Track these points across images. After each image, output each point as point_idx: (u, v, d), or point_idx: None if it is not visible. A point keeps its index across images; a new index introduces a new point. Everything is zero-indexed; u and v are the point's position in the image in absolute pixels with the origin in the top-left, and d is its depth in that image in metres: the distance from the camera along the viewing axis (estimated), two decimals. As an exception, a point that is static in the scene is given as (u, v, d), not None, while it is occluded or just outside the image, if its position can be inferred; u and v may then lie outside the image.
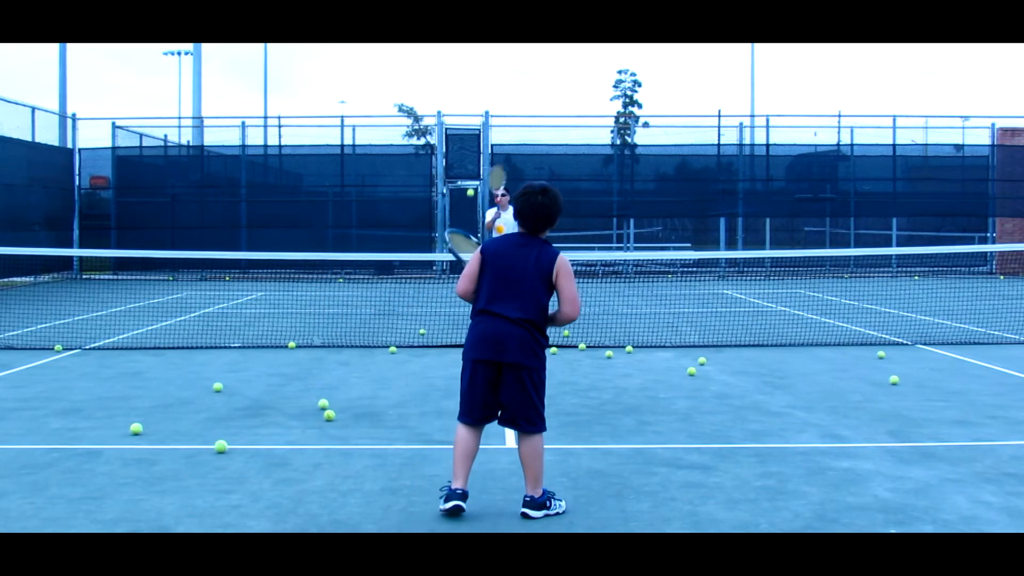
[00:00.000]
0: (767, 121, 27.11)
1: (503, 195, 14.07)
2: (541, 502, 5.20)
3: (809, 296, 19.27)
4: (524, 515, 5.17)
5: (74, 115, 25.84)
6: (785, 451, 6.63)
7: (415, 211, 25.54)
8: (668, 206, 27.97)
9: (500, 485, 5.78)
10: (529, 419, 5.21)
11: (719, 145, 26.42)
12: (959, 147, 28.14)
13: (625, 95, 54.20)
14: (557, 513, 5.22)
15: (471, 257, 5.36)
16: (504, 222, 13.88)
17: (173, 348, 11.79)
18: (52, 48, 34.83)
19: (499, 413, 5.28)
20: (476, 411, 5.25)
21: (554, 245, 5.34)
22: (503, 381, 5.18)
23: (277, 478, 5.96)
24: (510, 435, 7.11)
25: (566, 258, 5.26)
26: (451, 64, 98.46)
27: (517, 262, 5.20)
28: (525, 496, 5.23)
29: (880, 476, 5.96)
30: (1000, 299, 17.33)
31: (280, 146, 27.36)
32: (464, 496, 5.20)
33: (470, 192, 18.73)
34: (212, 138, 28.39)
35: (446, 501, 5.18)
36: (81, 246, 24.86)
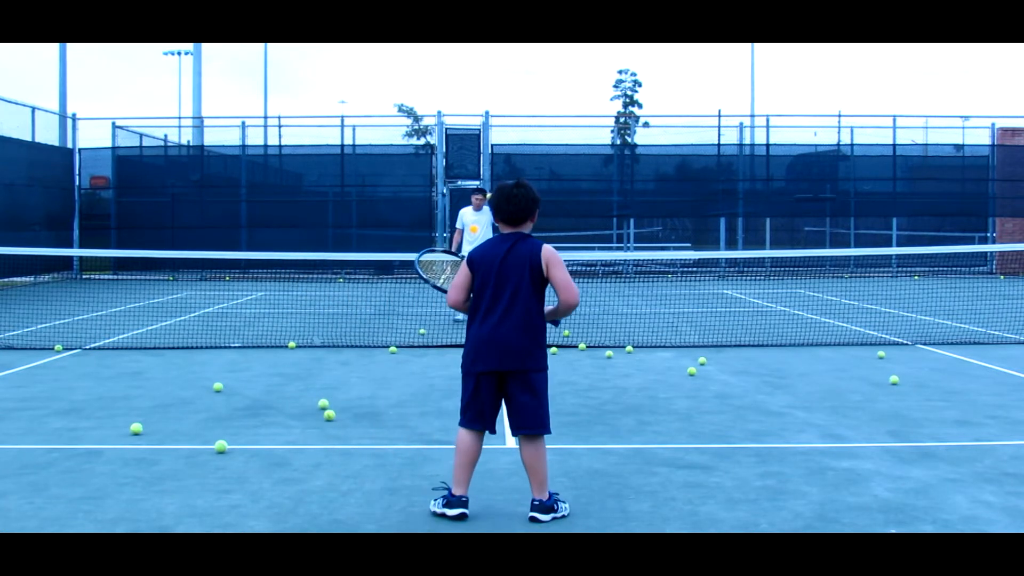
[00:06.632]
0: (767, 121, 27.11)
1: (479, 196, 14.17)
2: (549, 505, 5.16)
3: (809, 296, 19.27)
4: (533, 519, 5.11)
5: (74, 115, 25.83)
6: (785, 451, 6.63)
7: (415, 211, 25.55)
8: (668, 206, 27.97)
9: (500, 485, 5.78)
10: (540, 421, 5.17)
11: (719, 145, 26.43)
12: (959, 147, 28.12)
13: (625, 95, 54.14)
14: (563, 516, 5.18)
15: (457, 268, 5.33)
16: (478, 222, 13.99)
17: (173, 348, 11.79)
18: (52, 48, 34.80)
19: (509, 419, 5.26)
20: (486, 418, 5.21)
21: (553, 245, 5.34)
22: (510, 387, 5.15)
23: (277, 478, 5.96)
24: (509, 435, 7.11)
25: (551, 247, 5.21)
26: (451, 64, 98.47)
27: (506, 262, 5.14)
28: (533, 500, 5.16)
29: (880, 476, 5.96)
30: (1000, 299, 17.33)
31: (280, 146, 27.37)
32: (466, 503, 5.20)
33: None
34: (212, 138, 28.41)
35: (448, 506, 5.17)
36: (81, 246, 24.86)
